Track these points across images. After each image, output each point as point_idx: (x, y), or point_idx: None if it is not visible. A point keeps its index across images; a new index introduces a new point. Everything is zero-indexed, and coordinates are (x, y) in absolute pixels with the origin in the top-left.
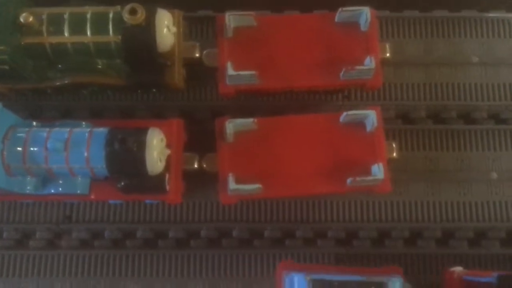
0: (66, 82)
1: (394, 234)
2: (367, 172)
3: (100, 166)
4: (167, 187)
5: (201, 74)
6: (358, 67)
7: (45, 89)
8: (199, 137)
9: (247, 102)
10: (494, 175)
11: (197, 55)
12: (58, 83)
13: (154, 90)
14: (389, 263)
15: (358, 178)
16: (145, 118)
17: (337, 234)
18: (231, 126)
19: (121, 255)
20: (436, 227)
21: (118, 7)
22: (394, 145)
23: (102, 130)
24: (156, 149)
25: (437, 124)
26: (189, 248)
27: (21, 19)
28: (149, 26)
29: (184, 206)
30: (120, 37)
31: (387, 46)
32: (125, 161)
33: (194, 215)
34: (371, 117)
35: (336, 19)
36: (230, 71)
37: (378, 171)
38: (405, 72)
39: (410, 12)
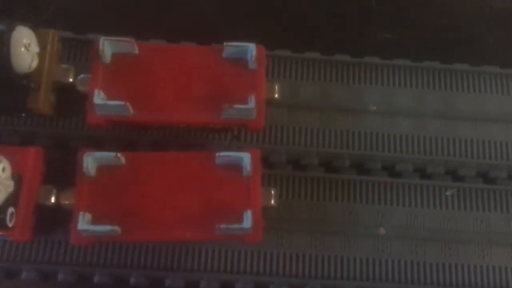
0: None
1: None
2: (240, 219)
3: None
4: (10, 223)
5: (78, 100)
6: (236, 106)
7: None
8: (71, 168)
9: (127, 135)
10: (382, 230)
11: (70, 80)
12: None
13: (24, 114)
14: None
15: (223, 226)
16: (12, 143)
17: (210, 285)
18: (90, 159)
19: None
20: (316, 284)
21: None
22: (273, 192)
23: None
24: None
25: (329, 173)
26: None
27: None
28: (2, 43)
29: (41, 244)
30: None
31: (276, 86)
32: None
33: (51, 256)
34: (246, 160)
35: (223, 54)
36: (97, 99)
37: (247, 219)
38: (300, 115)
39: (311, 54)
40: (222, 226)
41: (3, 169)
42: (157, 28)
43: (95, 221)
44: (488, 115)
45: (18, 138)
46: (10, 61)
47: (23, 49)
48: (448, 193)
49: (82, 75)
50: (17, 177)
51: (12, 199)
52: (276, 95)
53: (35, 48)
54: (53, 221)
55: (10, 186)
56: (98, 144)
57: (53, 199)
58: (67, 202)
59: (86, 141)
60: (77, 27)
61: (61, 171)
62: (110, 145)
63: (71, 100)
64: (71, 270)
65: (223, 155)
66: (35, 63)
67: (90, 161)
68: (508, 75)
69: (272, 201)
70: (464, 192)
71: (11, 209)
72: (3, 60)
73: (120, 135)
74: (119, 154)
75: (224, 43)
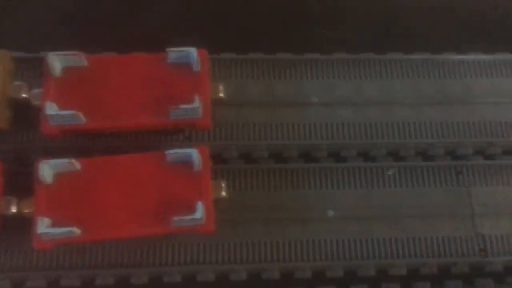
0: None
1: (232, 276)
2: (193, 212)
3: None
4: None
5: (34, 115)
6: (183, 106)
7: None
8: (31, 180)
9: (84, 144)
10: (331, 213)
11: (24, 95)
12: None
13: None
14: None
15: (177, 218)
16: None
17: (173, 278)
18: (47, 167)
19: None
20: (274, 267)
21: None
22: (223, 185)
23: None
24: None
25: (279, 163)
26: None
27: None
28: None
29: (7, 254)
30: None
31: (221, 86)
32: None
33: (18, 263)
34: (194, 156)
35: (168, 60)
36: (49, 110)
37: (198, 211)
38: (247, 112)
39: (254, 55)
40: (176, 218)
41: None
42: (107, 43)
43: (55, 225)
44: (423, 98)
45: None
46: None
47: None
48: (390, 172)
49: (35, 90)
50: None
51: None
52: (221, 94)
53: None
54: (19, 231)
55: None
56: (56, 155)
57: (14, 209)
58: (27, 211)
59: (44, 153)
60: (30, 47)
61: (21, 183)
62: (68, 155)
63: (27, 116)
64: (40, 275)
65: (173, 153)
66: None
67: (46, 169)
68: (439, 60)
69: (223, 193)
70: (405, 170)
71: None
72: None
73: (77, 144)
74: (73, 160)
75: (167, 49)
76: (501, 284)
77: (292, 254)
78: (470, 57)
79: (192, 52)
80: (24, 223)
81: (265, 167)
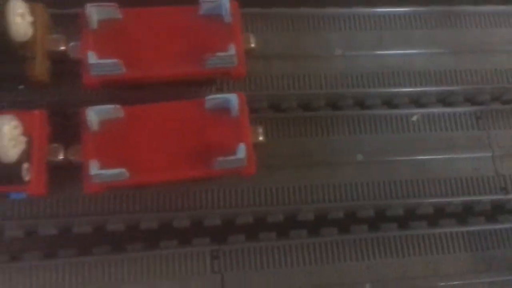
0: None
1: (269, 218)
2: (234, 154)
3: None
4: (26, 177)
5: (71, 68)
6: (219, 54)
7: None
8: (72, 131)
9: (119, 95)
10: (360, 157)
11: (62, 48)
12: None
13: (21, 86)
14: (263, 256)
15: (220, 159)
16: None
17: (213, 221)
18: (93, 113)
19: None
20: (308, 209)
21: None
22: (260, 130)
23: None
24: (8, 136)
25: (307, 112)
26: (60, 245)
27: None
28: (1, 14)
29: (54, 200)
30: None
31: (251, 36)
32: None
33: (65, 210)
34: (233, 101)
35: (200, 12)
36: (92, 59)
37: (240, 152)
38: (275, 64)
39: (279, 9)
40: (219, 159)
41: (15, 127)
42: None
43: (104, 168)
44: (441, 48)
45: (16, 108)
46: (8, 30)
47: (19, 18)
48: (414, 118)
49: (73, 43)
50: (27, 137)
51: (25, 156)
52: (253, 45)
53: (29, 18)
54: (65, 178)
55: (23, 142)
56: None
57: (61, 155)
58: (74, 157)
59: (83, 105)
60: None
61: (62, 135)
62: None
63: (64, 69)
64: (86, 220)
65: (212, 98)
66: (30, 32)
67: (93, 115)
68: (455, 11)
69: (261, 138)
70: (428, 117)
71: (25, 165)
72: (2, 28)
73: (114, 97)
74: (118, 106)
75: (200, 0)
76: None
77: (326, 196)
78: (485, 8)
79: (225, 2)
80: (70, 171)
81: (295, 115)
